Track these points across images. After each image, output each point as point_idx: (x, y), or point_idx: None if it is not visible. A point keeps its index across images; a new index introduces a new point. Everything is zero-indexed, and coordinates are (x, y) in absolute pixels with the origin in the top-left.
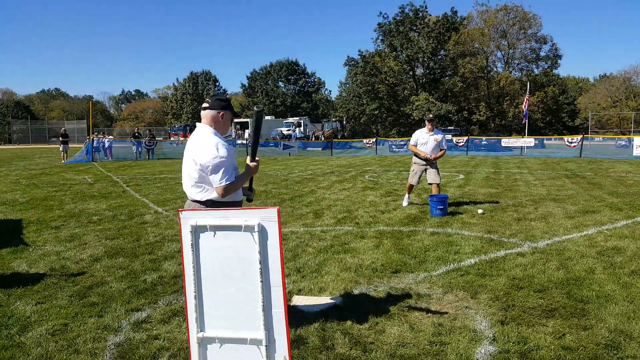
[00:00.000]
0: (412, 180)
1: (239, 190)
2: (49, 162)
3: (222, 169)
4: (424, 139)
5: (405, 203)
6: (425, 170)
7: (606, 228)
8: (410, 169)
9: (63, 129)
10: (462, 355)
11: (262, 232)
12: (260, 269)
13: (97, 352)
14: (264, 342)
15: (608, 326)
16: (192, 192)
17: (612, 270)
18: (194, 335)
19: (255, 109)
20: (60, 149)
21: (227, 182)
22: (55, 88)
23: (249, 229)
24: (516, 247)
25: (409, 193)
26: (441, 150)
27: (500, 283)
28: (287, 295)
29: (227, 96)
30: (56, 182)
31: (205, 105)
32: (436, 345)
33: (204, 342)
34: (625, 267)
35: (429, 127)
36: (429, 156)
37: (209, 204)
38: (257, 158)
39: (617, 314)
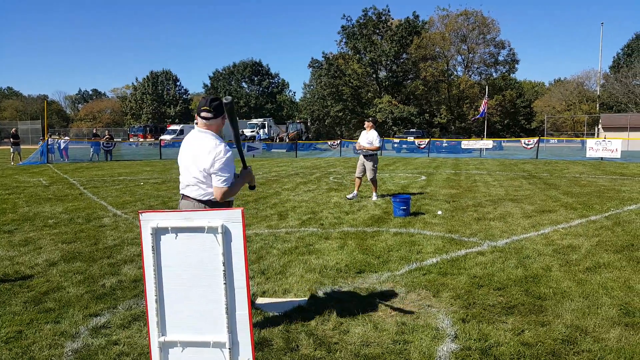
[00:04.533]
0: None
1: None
2: (0, 164)
3: (225, 173)
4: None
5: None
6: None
7: (562, 227)
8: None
9: (14, 129)
10: (425, 353)
11: (226, 234)
12: (224, 271)
13: (54, 359)
14: (227, 345)
15: (565, 322)
16: (193, 190)
17: (568, 268)
18: (155, 340)
19: (224, 100)
20: (11, 150)
21: (227, 186)
22: (8, 87)
23: (212, 230)
24: (476, 246)
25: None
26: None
27: (462, 281)
28: (251, 297)
29: (190, 96)
30: (9, 184)
31: (208, 115)
32: (400, 344)
33: (165, 347)
34: (580, 264)
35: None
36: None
37: (210, 204)
38: (248, 165)
39: (573, 310)
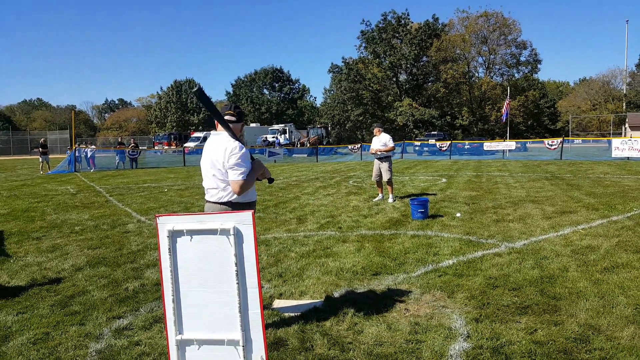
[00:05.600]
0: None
1: (254, 191)
2: (30, 174)
3: (241, 167)
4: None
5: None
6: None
7: (582, 228)
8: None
9: (43, 139)
10: (437, 352)
11: (238, 235)
12: (237, 271)
13: (79, 359)
14: (241, 343)
15: (578, 321)
16: (214, 194)
17: (585, 268)
18: (172, 338)
19: (193, 90)
20: (40, 160)
21: (243, 178)
22: (37, 98)
23: (224, 232)
24: (493, 247)
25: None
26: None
27: (477, 282)
28: (268, 300)
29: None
30: (38, 193)
31: (230, 119)
32: (412, 343)
33: (182, 345)
34: (598, 264)
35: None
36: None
37: (231, 205)
38: (255, 158)
39: (587, 310)
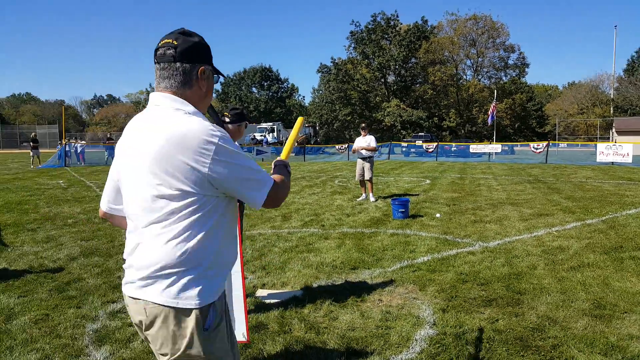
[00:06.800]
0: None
1: None
2: (21, 167)
3: None
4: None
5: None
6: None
7: (555, 230)
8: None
9: (33, 134)
10: (404, 336)
11: None
12: None
13: (77, 337)
14: None
15: (538, 313)
16: None
17: (553, 267)
18: None
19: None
20: (31, 154)
21: None
22: (26, 92)
23: None
24: (468, 246)
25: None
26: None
27: (448, 277)
28: (252, 289)
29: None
30: (30, 186)
31: (226, 120)
32: (382, 329)
33: None
34: (565, 264)
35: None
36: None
37: None
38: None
39: (548, 303)
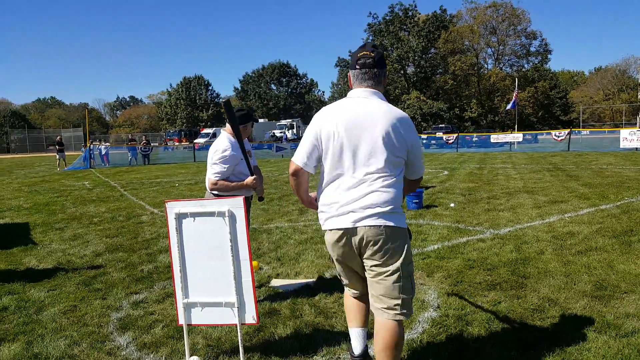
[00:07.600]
0: None
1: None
2: (48, 170)
3: (217, 167)
4: None
5: None
6: None
7: (568, 216)
8: None
9: (59, 137)
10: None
11: (232, 217)
12: (231, 246)
13: (103, 325)
14: (236, 305)
15: (540, 295)
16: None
17: (560, 252)
18: (180, 301)
19: (222, 101)
20: (57, 157)
21: (217, 178)
22: (51, 97)
23: (221, 214)
24: (479, 234)
25: None
26: None
27: (455, 264)
28: (267, 279)
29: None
30: (57, 188)
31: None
32: None
33: (188, 307)
34: (573, 248)
35: None
36: None
37: (215, 194)
38: (256, 176)
39: (550, 286)
